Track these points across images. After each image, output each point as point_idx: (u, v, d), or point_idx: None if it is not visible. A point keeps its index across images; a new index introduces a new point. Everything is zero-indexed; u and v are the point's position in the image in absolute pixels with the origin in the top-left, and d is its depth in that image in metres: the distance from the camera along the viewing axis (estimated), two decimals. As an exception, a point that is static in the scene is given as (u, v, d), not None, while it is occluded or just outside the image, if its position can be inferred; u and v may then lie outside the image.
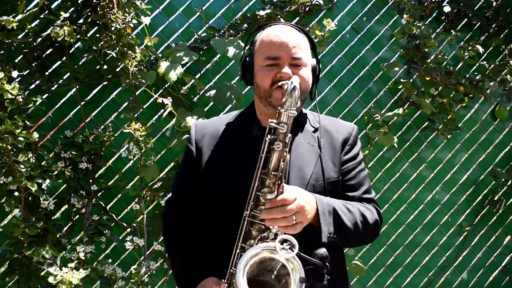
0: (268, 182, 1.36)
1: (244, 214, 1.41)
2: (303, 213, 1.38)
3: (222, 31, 2.83)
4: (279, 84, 1.50)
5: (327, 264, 1.31)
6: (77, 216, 2.56)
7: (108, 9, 2.42)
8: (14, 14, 2.37)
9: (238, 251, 1.42)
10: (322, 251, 1.31)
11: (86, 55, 2.53)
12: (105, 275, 2.45)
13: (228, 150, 1.62)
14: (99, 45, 2.52)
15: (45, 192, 2.45)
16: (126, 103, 2.60)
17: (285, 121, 1.35)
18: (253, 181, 1.39)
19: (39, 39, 2.49)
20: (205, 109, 2.77)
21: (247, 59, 1.62)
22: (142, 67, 2.54)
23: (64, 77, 2.60)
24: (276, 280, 1.39)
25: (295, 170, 1.55)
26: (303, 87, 1.53)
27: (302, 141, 1.61)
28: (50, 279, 2.21)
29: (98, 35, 2.54)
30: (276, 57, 1.53)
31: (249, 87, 2.92)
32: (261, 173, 1.37)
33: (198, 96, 2.78)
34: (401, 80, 3.11)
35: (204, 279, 1.53)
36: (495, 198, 3.33)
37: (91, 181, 2.53)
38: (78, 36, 2.45)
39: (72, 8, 2.54)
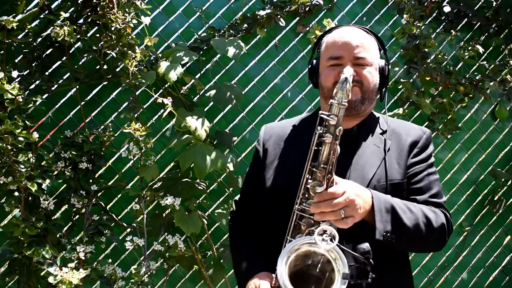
0: (317, 175, 1.34)
1: (294, 208, 1.40)
2: (353, 207, 1.33)
3: (222, 31, 2.83)
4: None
5: (370, 260, 1.28)
6: (77, 216, 2.56)
7: (108, 9, 2.42)
8: (14, 14, 2.37)
9: (286, 244, 1.41)
10: (365, 245, 1.29)
11: (86, 55, 2.53)
12: (105, 275, 2.45)
13: (291, 149, 1.64)
14: (99, 45, 2.52)
15: (45, 192, 2.45)
16: (126, 103, 2.60)
17: (335, 112, 1.32)
18: (303, 174, 1.38)
19: (39, 39, 2.49)
20: (205, 109, 2.77)
21: (314, 62, 1.64)
22: (142, 67, 2.54)
23: (64, 77, 2.60)
24: (321, 274, 1.37)
25: (357, 170, 1.53)
26: (366, 86, 1.53)
27: (368, 143, 1.59)
28: (50, 279, 2.21)
29: (98, 35, 2.54)
30: (339, 57, 1.54)
31: (249, 87, 2.93)
32: (311, 166, 1.36)
33: (198, 96, 2.78)
34: (401, 80, 3.11)
35: (257, 273, 1.53)
36: (495, 198, 3.33)
37: (91, 181, 2.53)
38: (78, 36, 2.46)
39: (72, 8, 2.54)
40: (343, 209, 1.32)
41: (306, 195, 1.38)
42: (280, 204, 1.55)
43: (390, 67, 1.64)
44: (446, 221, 1.52)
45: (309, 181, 1.36)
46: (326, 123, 1.34)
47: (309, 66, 1.67)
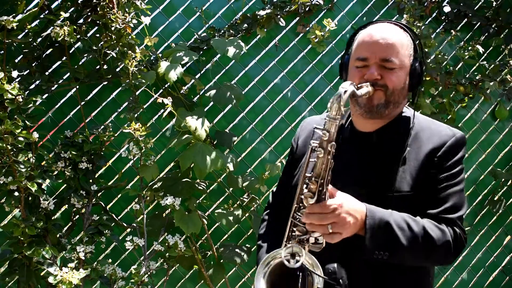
0: (311, 187, 1.34)
1: (290, 215, 1.41)
2: (342, 225, 1.32)
3: (222, 31, 2.83)
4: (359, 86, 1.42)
5: (340, 280, 1.31)
6: (77, 216, 2.56)
7: (108, 9, 2.42)
8: (14, 14, 2.37)
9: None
10: (332, 266, 1.31)
11: (86, 55, 2.53)
12: (105, 275, 2.45)
13: None
14: (99, 45, 2.53)
15: (45, 192, 2.45)
16: (126, 103, 2.60)
17: (328, 128, 1.30)
18: (299, 184, 1.38)
19: (39, 39, 2.49)
20: (205, 109, 2.77)
21: (345, 57, 1.59)
22: (142, 67, 2.54)
23: (64, 77, 2.60)
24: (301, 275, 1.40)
25: (367, 177, 1.50)
26: (391, 90, 1.46)
27: (387, 149, 1.53)
28: (50, 279, 2.21)
29: (98, 35, 2.54)
30: (365, 58, 1.48)
31: (249, 87, 2.93)
32: (304, 177, 1.36)
33: (198, 96, 2.78)
34: (401, 80, 3.10)
35: None
36: (495, 198, 3.33)
37: (91, 181, 2.53)
38: (78, 36, 2.46)
39: (72, 8, 2.54)
40: (331, 225, 1.32)
41: (301, 204, 1.39)
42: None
43: (424, 66, 1.56)
44: (454, 238, 1.45)
45: (304, 191, 1.36)
46: (320, 138, 1.33)
47: (340, 62, 1.61)
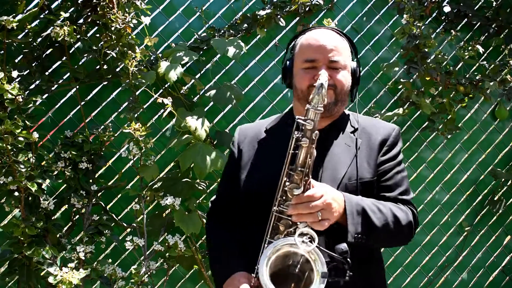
0: (295, 178, 1.38)
1: (272, 210, 1.44)
2: (329, 211, 1.39)
3: (222, 31, 2.83)
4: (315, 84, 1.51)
5: (348, 259, 1.33)
6: (77, 216, 2.56)
7: (108, 9, 2.42)
8: (14, 14, 2.37)
9: (266, 245, 1.45)
10: (343, 246, 1.35)
11: (86, 55, 2.53)
12: (105, 275, 2.45)
13: (266, 151, 1.68)
14: (99, 45, 2.52)
15: (45, 192, 2.45)
16: (126, 103, 2.60)
17: (312, 117, 1.37)
18: (280, 177, 1.42)
19: (39, 39, 2.49)
20: (205, 109, 2.77)
21: (287, 63, 1.67)
22: (142, 67, 2.54)
23: (64, 77, 2.60)
24: (300, 273, 1.41)
25: (328, 169, 1.57)
26: (339, 89, 1.58)
27: (340, 142, 1.63)
28: (50, 279, 2.21)
29: (98, 35, 2.54)
30: (314, 60, 1.58)
31: (249, 87, 2.93)
32: (288, 169, 1.40)
33: (198, 96, 2.78)
34: (401, 80, 3.10)
35: (234, 273, 1.56)
36: (495, 198, 3.33)
37: (91, 181, 2.54)
38: (78, 36, 2.46)
39: (72, 8, 2.54)
40: (320, 212, 1.37)
41: (284, 197, 1.42)
42: (254, 205, 1.59)
43: (360, 68, 1.71)
44: (413, 218, 1.60)
45: (287, 183, 1.40)
46: (303, 128, 1.38)
47: (283, 67, 1.70)
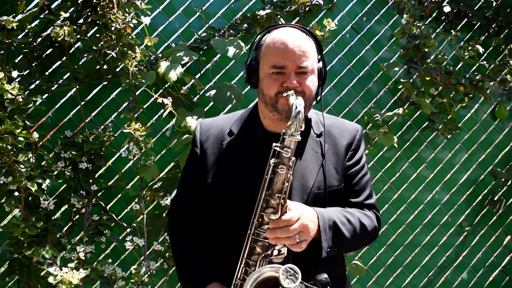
0: (272, 203, 1.40)
1: (248, 232, 1.44)
2: (307, 232, 1.41)
3: (222, 31, 2.83)
4: (284, 94, 1.49)
5: None
6: (77, 216, 2.56)
7: (108, 9, 2.42)
8: (14, 14, 2.37)
9: (242, 265, 1.45)
10: (324, 277, 1.36)
11: (86, 55, 2.53)
12: (105, 275, 2.46)
13: (233, 153, 1.63)
14: (99, 45, 2.52)
15: (45, 192, 2.45)
16: (126, 103, 2.60)
17: (289, 145, 1.38)
18: (257, 202, 1.42)
19: (39, 39, 2.49)
20: (205, 109, 2.77)
21: (252, 62, 1.61)
22: (142, 67, 2.54)
23: (64, 77, 2.60)
24: None
25: (297, 178, 1.56)
26: (308, 95, 1.54)
27: (307, 147, 1.61)
28: (50, 279, 2.21)
29: (98, 35, 2.54)
30: (282, 66, 1.52)
31: (249, 87, 2.92)
32: (265, 195, 1.40)
33: (198, 96, 2.78)
34: (401, 80, 3.11)
35: (209, 283, 1.56)
36: (495, 198, 3.33)
37: (91, 181, 2.53)
38: (78, 36, 2.46)
39: (72, 8, 2.54)
40: (298, 234, 1.39)
41: (260, 220, 1.43)
42: (230, 210, 1.58)
43: (326, 68, 1.67)
44: (377, 221, 1.66)
45: (264, 208, 1.40)
46: (280, 155, 1.39)
47: (247, 66, 1.61)
